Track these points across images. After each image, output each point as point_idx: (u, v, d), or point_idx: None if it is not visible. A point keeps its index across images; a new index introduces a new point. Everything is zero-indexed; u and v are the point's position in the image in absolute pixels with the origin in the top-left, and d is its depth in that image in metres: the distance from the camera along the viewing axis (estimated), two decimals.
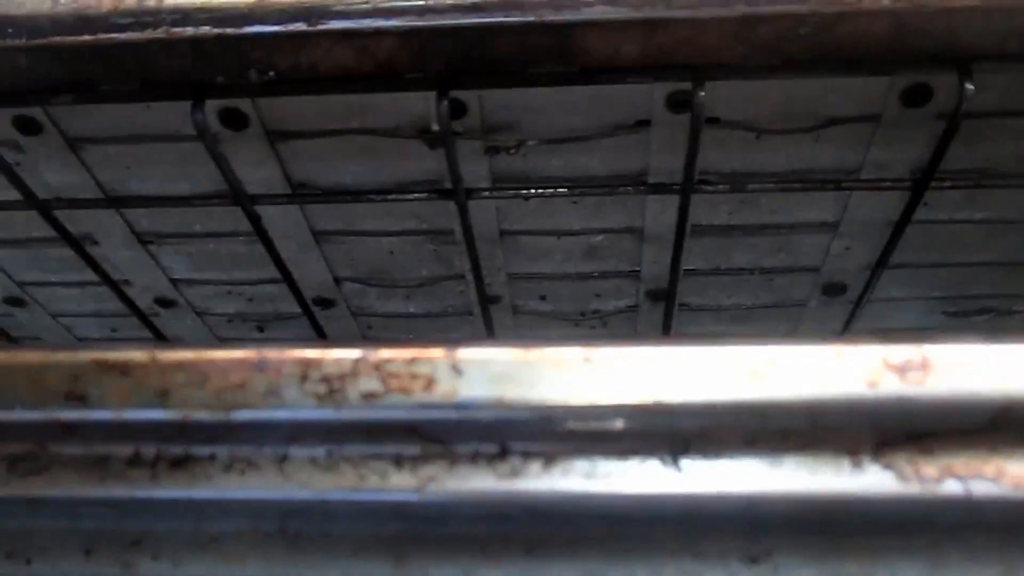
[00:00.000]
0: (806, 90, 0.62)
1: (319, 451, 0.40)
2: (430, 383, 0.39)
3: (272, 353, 0.40)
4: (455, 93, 0.62)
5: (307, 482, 0.40)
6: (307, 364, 0.40)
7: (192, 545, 0.43)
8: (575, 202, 0.74)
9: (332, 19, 0.52)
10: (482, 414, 0.39)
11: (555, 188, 0.67)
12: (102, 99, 0.62)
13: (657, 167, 0.69)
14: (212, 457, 0.40)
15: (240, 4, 0.52)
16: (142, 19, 0.53)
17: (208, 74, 0.56)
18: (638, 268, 0.81)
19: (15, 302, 0.91)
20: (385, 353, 0.40)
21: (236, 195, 0.65)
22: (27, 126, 0.68)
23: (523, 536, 0.41)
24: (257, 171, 0.70)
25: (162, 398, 0.40)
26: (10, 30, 0.54)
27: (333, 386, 0.39)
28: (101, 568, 0.43)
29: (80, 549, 0.43)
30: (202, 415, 0.40)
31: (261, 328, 0.94)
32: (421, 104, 0.65)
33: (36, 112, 0.67)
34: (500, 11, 0.51)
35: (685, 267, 0.80)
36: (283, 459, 0.40)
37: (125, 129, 0.69)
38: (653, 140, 0.66)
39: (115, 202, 0.73)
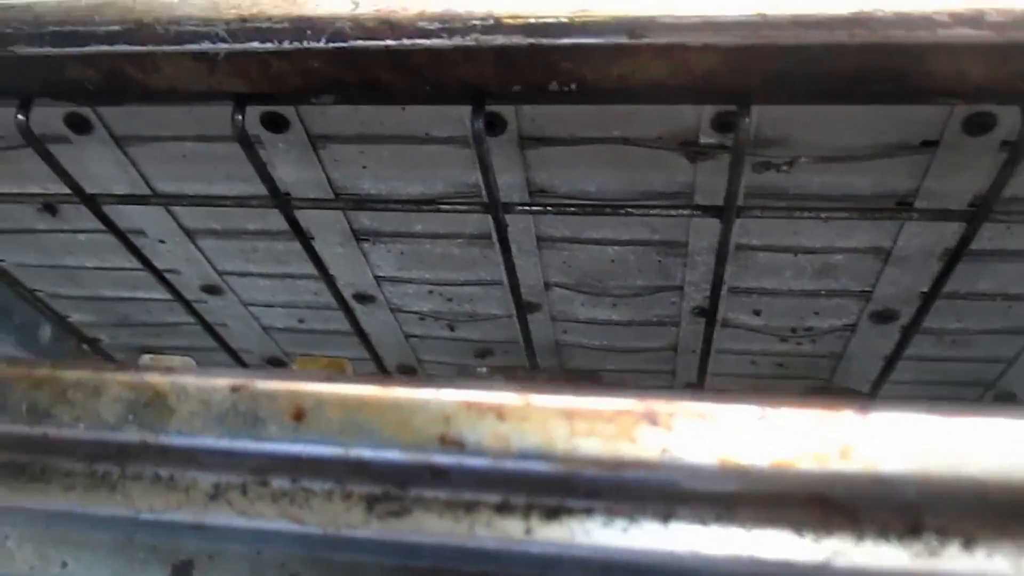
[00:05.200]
0: None
1: (709, 514, 0.37)
2: (845, 449, 0.36)
3: (661, 404, 0.38)
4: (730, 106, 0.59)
5: (694, 544, 0.37)
6: (702, 417, 0.37)
7: None
8: (825, 220, 0.70)
9: (658, 33, 0.49)
10: (903, 486, 0.36)
11: (831, 208, 0.63)
12: (361, 100, 0.61)
13: (930, 189, 0.64)
14: (589, 511, 0.38)
15: (558, 15, 0.49)
16: (450, 26, 0.51)
17: (506, 83, 0.53)
18: (870, 289, 0.77)
19: (212, 290, 0.91)
20: (791, 412, 0.37)
21: (492, 202, 0.63)
22: (275, 123, 0.66)
23: None
24: (501, 177, 0.67)
25: (545, 448, 0.38)
26: (308, 32, 0.52)
27: (727, 445, 0.36)
28: None
29: None
30: (588, 470, 0.37)
31: (452, 327, 0.92)
32: (691, 116, 0.62)
33: (288, 110, 0.65)
34: (845, 29, 0.47)
35: (923, 290, 0.76)
36: (668, 518, 0.38)
37: (372, 129, 0.67)
38: (936, 162, 0.62)
39: (359, 204, 0.71)
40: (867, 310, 0.80)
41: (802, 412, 0.37)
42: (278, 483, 0.41)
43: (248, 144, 0.61)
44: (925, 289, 0.74)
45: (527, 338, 0.83)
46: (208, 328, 0.95)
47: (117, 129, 0.71)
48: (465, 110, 0.62)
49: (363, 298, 0.88)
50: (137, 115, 0.70)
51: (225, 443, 0.40)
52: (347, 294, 0.87)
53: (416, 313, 0.90)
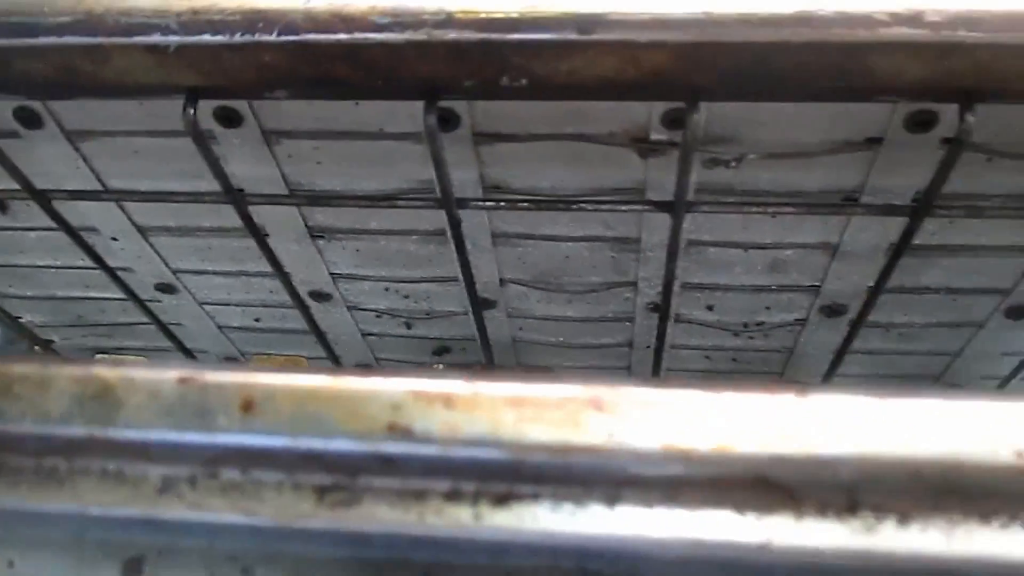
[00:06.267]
0: None
1: (654, 497, 0.38)
2: (782, 430, 0.37)
3: (607, 391, 0.38)
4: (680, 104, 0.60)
5: (640, 527, 0.38)
6: (646, 404, 0.38)
7: None
8: (774, 216, 0.71)
9: (607, 29, 0.50)
10: (840, 466, 0.37)
11: (779, 203, 0.65)
12: (315, 95, 0.61)
13: (874, 185, 0.66)
14: (537, 496, 0.39)
15: (509, 10, 0.50)
16: (402, 20, 0.51)
17: (458, 77, 0.53)
18: (819, 284, 0.79)
19: (166, 288, 0.90)
20: (732, 396, 0.38)
21: (446, 198, 0.63)
22: (228, 118, 0.66)
23: None
24: (455, 173, 0.68)
25: (493, 435, 0.38)
26: (260, 24, 0.52)
27: (671, 429, 0.37)
28: None
29: None
30: (536, 456, 0.38)
31: (409, 325, 0.92)
32: (643, 113, 0.63)
33: (241, 105, 0.65)
34: (789, 27, 0.49)
35: (870, 284, 0.78)
36: (614, 502, 0.38)
37: (326, 125, 0.67)
38: (880, 158, 0.64)
39: (313, 200, 0.71)
40: (816, 304, 0.82)
41: (743, 396, 0.38)
42: (228, 475, 0.40)
43: (201, 138, 0.60)
44: (872, 283, 0.76)
45: (483, 335, 0.83)
46: (163, 328, 0.95)
47: (68, 124, 0.70)
48: (419, 106, 0.62)
49: (319, 296, 0.88)
50: (88, 110, 0.69)
51: (174, 435, 0.40)
52: (303, 292, 0.87)
53: (373, 311, 0.90)
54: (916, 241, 0.72)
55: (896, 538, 0.37)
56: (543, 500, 0.39)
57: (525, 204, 0.68)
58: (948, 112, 0.60)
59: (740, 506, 0.38)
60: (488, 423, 0.38)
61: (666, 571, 0.39)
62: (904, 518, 0.37)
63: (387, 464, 0.39)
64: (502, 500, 0.39)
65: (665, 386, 0.38)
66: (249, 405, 0.40)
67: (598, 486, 0.38)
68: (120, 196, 0.74)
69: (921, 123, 0.60)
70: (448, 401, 0.39)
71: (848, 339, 0.79)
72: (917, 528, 0.37)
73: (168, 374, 0.41)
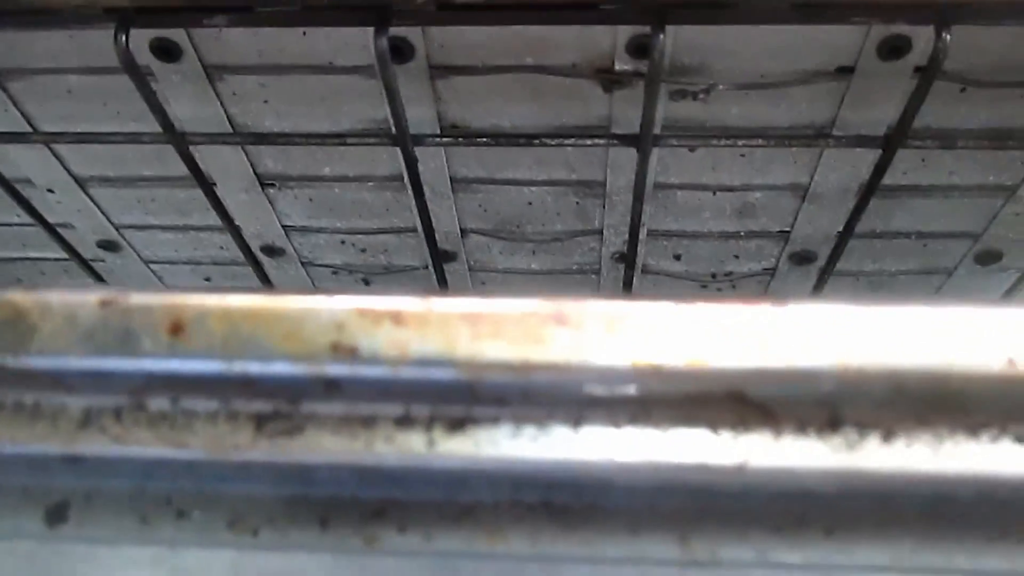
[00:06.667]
0: None
1: (622, 416, 0.35)
2: (759, 342, 0.34)
3: (571, 305, 0.35)
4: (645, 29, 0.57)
5: (608, 449, 0.35)
6: (614, 317, 0.35)
7: (445, 517, 0.38)
8: (743, 155, 0.69)
9: None
10: (820, 380, 0.34)
11: (748, 137, 0.62)
12: (260, 22, 0.57)
13: (846, 119, 0.64)
14: (496, 420, 0.36)
15: None
16: None
17: None
18: (788, 229, 0.77)
19: (109, 246, 0.85)
20: (705, 308, 0.35)
21: (400, 133, 0.60)
22: (167, 52, 0.62)
23: (828, 515, 0.37)
24: (411, 110, 0.64)
25: (446, 353, 0.35)
26: None
27: (640, 344, 0.34)
28: (339, 541, 0.39)
29: (315, 519, 0.39)
30: (494, 375, 0.35)
31: (367, 281, 0.89)
32: (607, 40, 0.60)
33: (179, 35, 0.61)
34: None
35: (839, 229, 0.76)
36: (579, 423, 0.36)
37: (272, 58, 0.63)
38: (852, 89, 0.61)
39: (259, 138, 0.67)
40: (786, 251, 0.79)
41: (717, 308, 0.35)
42: (156, 405, 0.37)
43: (134, 69, 0.56)
44: (842, 228, 0.74)
45: (444, 291, 0.80)
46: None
47: None
48: (370, 35, 0.58)
49: (272, 251, 0.84)
50: (15, 45, 0.64)
51: (95, 363, 0.36)
52: (255, 247, 0.83)
53: (328, 267, 0.87)
54: (887, 180, 0.70)
55: (880, 455, 0.35)
56: (503, 424, 0.36)
57: (484, 140, 0.64)
58: (921, 38, 0.57)
59: (715, 424, 0.35)
60: (441, 341, 0.35)
61: (636, 497, 0.37)
62: (888, 434, 0.35)
63: (331, 388, 0.36)
64: (458, 425, 0.36)
65: (634, 299, 0.35)
66: (178, 328, 0.36)
67: (562, 407, 0.35)
68: (51, 138, 0.70)
69: (894, 49, 0.58)
70: (397, 318, 0.35)
71: (817, 288, 0.77)
72: (902, 444, 0.35)
73: (88, 296, 0.37)
